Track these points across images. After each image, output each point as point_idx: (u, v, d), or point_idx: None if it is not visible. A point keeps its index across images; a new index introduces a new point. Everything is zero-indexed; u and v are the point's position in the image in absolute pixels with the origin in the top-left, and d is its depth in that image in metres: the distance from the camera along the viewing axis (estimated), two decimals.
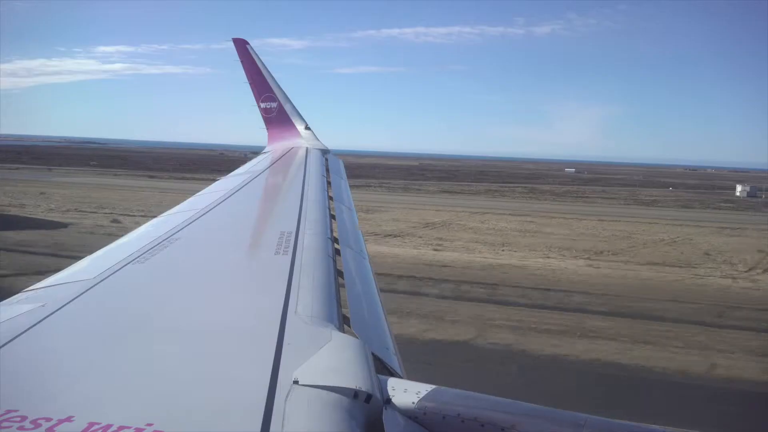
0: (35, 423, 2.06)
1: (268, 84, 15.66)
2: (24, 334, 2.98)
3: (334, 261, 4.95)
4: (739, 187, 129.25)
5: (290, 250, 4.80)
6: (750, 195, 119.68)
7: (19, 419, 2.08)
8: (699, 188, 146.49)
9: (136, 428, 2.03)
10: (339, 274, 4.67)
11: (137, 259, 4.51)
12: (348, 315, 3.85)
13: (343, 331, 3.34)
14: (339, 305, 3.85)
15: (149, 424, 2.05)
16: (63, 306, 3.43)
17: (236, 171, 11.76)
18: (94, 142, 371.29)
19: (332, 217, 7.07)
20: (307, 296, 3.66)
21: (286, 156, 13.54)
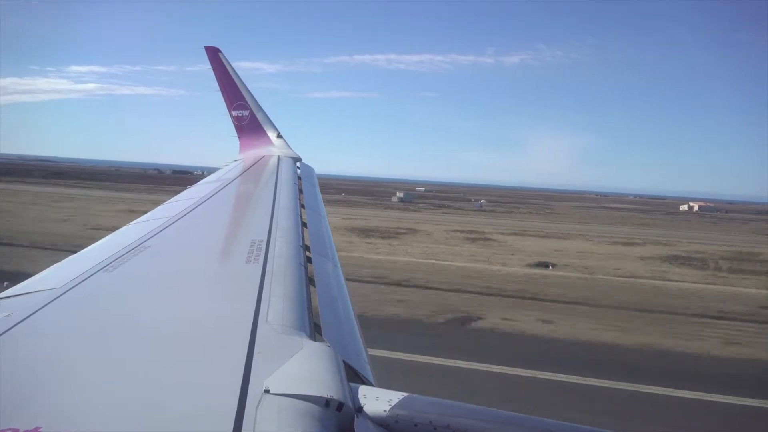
0: None
1: (240, 92, 15.97)
2: None
3: (306, 269, 5.04)
4: (397, 193, 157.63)
5: (261, 258, 4.87)
6: (402, 200, 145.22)
7: None
8: (374, 195, 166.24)
9: None
10: (311, 282, 4.77)
11: (105, 267, 4.52)
12: (320, 323, 3.90)
13: (314, 339, 3.38)
14: (310, 313, 3.93)
15: None
16: (29, 316, 3.44)
17: (207, 178, 11.96)
18: (47, 160, 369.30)
19: (304, 224, 7.19)
20: (279, 304, 3.71)
21: (258, 164, 13.81)
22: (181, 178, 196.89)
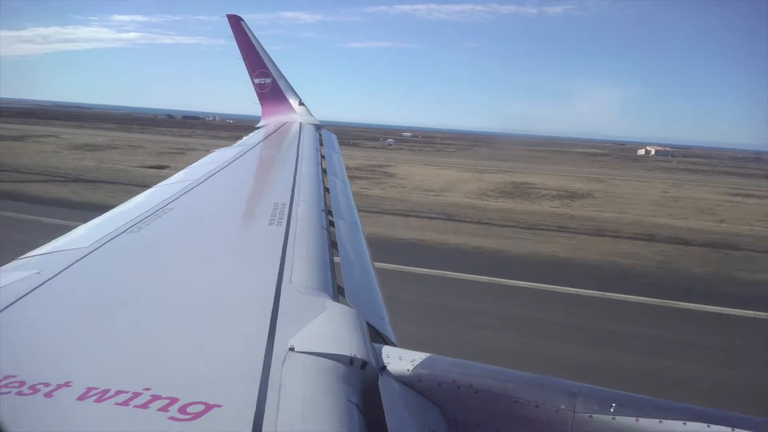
0: (33, 388, 2.01)
1: (262, 60, 15.86)
2: (20, 301, 2.92)
3: (328, 232, 4.92)
4: None
5: (284, 221, 4.77)
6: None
7: (17, 384, 2.03)
8: None
9: (133, 392, 1.99)
10: (333, 245, 4.64)
11: (131, 228, 4.44)
12: (342, 285, 3.79)
13: (337, 300, 3.28)
14: (333, 275, 3.82)
15: (147, 389, 2.01)
16: (58, 273, 3.36)
17: (233, 145, 11.80)
18: (82, 107, 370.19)
19: (326, 189, 7.08)
20: (302, 266, 3.62)
21: (280, 130, 13.69)
22: (184, 122, 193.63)
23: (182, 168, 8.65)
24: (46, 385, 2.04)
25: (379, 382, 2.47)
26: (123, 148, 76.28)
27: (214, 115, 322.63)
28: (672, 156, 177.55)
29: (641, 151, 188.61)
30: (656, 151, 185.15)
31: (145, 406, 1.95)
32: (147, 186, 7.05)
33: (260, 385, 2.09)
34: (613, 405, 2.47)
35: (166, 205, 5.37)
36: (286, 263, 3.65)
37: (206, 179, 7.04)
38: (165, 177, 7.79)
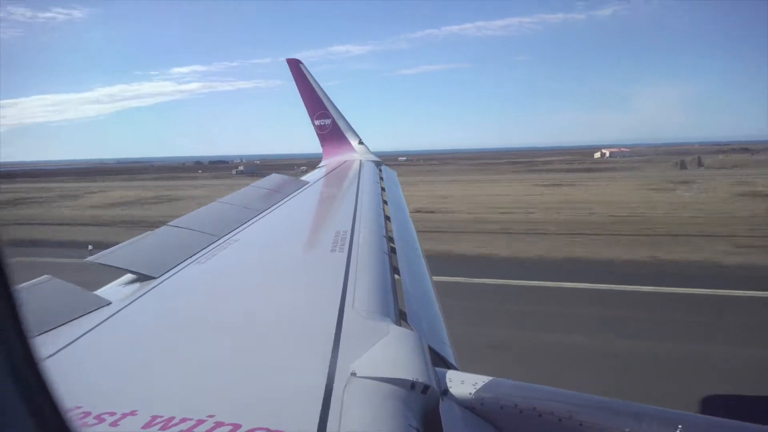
0: (99, 418, 1.98)
1: (322, 101, 16.48)
2: (90, 332, 2.91)
3: (390, 258, 4.88)
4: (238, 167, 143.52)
5: (346, 247, 4.87)
6: (242, 172, 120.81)
7: (83, 415, 1.99)
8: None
9: (197, 419, 1.96)
10: (395, 270, 4.61)
11: (198, 260, 4.53)
12: (404, 310, 3.72)
13: (399, 325, 3.21)
14: (396, 300, 3.76)
15: (210, 416, 1.99)
16: (128, 304, 3.39)
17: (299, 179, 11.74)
18: (141, 161, 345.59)
19: (387, 218, 7.16)
20: (364, 291, 3.60)
21: (341, 167, 14.24)
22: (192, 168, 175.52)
23: None
24: (112, 414, 2.01)
25: (441, 407, 2.35)
26: None
27: (242, 158, 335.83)
28: (622, 156, 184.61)
29: (597, 154, 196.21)
30: (611, 153, 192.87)
31: None
32: None
33: (321, 411, 2.04)
34: (680, 427, 2.34)
35: (233, 236, 5.59)
36: (348, 288, 3.63)
37: (270, 211, 7.32)
38: None
